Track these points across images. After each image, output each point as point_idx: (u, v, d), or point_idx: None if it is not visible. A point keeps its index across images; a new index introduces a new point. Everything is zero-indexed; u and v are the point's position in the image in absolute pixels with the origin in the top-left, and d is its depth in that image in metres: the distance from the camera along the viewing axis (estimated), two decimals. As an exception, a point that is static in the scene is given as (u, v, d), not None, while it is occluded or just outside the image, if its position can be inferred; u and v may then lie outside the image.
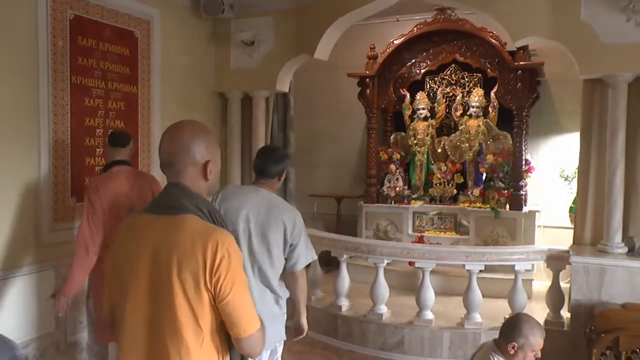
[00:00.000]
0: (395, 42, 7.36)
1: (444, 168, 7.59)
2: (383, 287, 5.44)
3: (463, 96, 7.72)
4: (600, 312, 4.39)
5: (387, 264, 5.54)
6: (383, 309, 5.47)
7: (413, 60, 7.52)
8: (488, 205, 6.98)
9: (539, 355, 2.86)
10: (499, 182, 7.03)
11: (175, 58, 5.79)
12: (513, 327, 2.84)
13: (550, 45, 5.29)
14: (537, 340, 2.80)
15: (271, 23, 6.12)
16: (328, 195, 8.20)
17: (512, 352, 2.78)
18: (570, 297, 4.89)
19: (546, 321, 5.12)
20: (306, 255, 3.13)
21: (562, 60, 6.50)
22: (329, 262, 6.77)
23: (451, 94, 7.86)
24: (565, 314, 5.21)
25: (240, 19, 6.20)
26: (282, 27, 6.08)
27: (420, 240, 6.87)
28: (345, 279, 5.68)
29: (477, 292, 5.19)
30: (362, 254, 5.62)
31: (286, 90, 6.50)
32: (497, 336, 2.95)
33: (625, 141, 4.81)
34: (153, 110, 5.44)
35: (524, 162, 6.94)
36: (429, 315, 5.31)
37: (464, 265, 5.26)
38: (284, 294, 3.16)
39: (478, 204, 7.14)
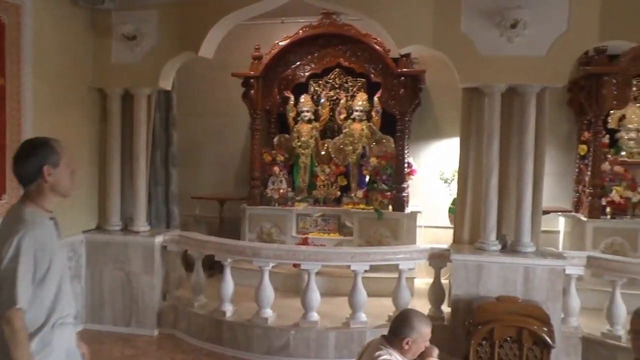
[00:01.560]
0: (280, 43, 7.54)
1: (327, 170, 7.88)
2: (268, 290, 5.54)
3: (347, 100, 8.08)
4: (478, 305, 4.85)
5: (272, 266, 5.64)
6: (268, 313, 5.57)
7: (298, 63, 7.73)
8: (371, 207, 7.36)
9: (428, 343, 3.14)
10: (382, 184, 7.45)
11: (49, 48, 5.49)
12: (404, 322, 3.05)
13: (433, 54, 5.72)
14: (427, 331, 3.08)
15: (155, 17, 6.00)
16: (211, 197, 8.19)
17: (406, 347, 3.01)
18: (451, 292, 5.32)
19: (428, 316, 5.49)
20: (9, 294, 2.33)
21: (442, 69, 7.01)
22: (211, 266, 6.76)
23: (335, 97, 8.19)
24: (445, 309, 5.65)
25: (122, 11, 6.02)
26: (166, 22, 5.99)
27: (305, 242, 7.09)
28: (229, 284, 5.70)
29: (362, 292, 5.47)
30: (247, 257, 5.70)
31: (169, 88, 6.40)
32: (384, 333, 3.15)
33: (499, 147, 5.33)
34: (24, 105, 5.13)
35: (406, 165, 7.44)
36: (314, 316, 5.50)
37: (349, 266, 5.52)
38: None
39: (361, 206, 7.51)
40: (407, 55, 7.12)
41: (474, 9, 5.27)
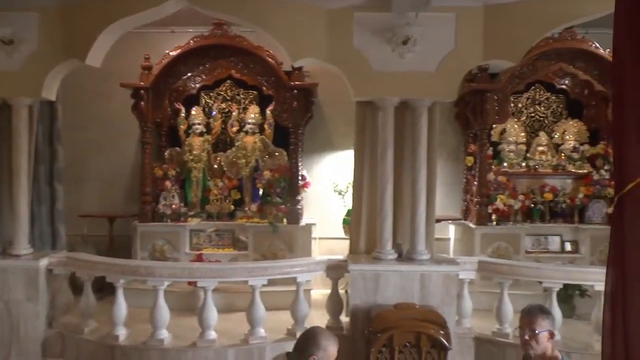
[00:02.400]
0: (171, 53, 7.43)
1: (220, 184, 7.85)
2: (163, 311, 5.43)
3: (239, 113, 8.10)
4: (377, 314, 5.04)
5: (167, 285, 5.53)
6: (164, 334, 5.44)
7: (189, 74, 7.67)
8: (266, 220, 7.41)
9: None
10: (276, 198, 7.53)
11: None
12: (310, 340, 3.03)
13: (325, 68, 5.89)
14: (333, 351, 3.07)
15: (35, 20, 5.67)
16: (100, 215, 7.87)
17: None
18: (349, 302, 5.48)
19: (327, 327, 5.64)
20: None
21: (333, 83, 7.27)
22: (100, 288, 6.47)
23: (227, 110, 8.19)
24: (343, 318, 5.82)
25: (-3, 13, 5.66)
26: (49, 27, 5.67)
27: (199, 258, 6.99)
28: (122, 306, 5.52)
29: (260, 307, 5.50)
30: (141, 277, 5.54)
31: (53, 98, 6.08)
32: (287, 350, 3.16)
33: (393, 159, 5.59)
34: None
35: (300, 178, 7.57)
36: (212, 335, 5.45)
37: (247, 281, 5.53)
38: None
39: (256, 220, 7.55)
40: (300, 69, 7.28)
41: (366, 25, 5.52)
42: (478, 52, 5.60)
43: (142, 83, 7.39)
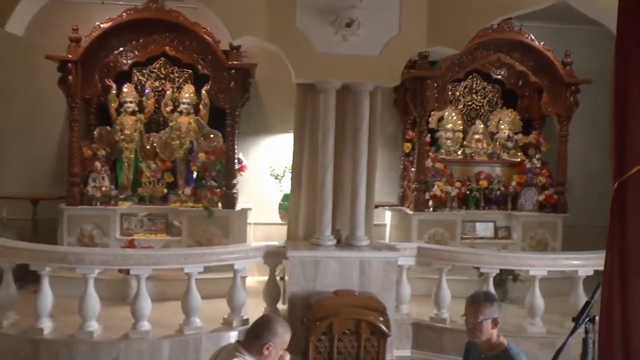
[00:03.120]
0: (101, 25, 7.03)
1: (153, 166, 7.57)
2: (93, 301, 5.14)
3: (173, 92, 7.82)
4: (316, 301, 5.00)
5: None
6: (94, 325, 5.15)
7: (121, 49, 7.30)
8: (200, 205, 7.23)
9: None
10: (211, 181, 7.34)
11: None
12: (267, 327, 2.98)
13: (263, 48, 5.76)
14: (287, 338, 3.05)
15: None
16: (22, 197, 7.38)
17: (266, 352, 2.96)
18: (287, 289, 5.41)
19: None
20: None
21: (271, 64, 7.17)
22: (22, 277, 6.09)
23: (161, 88, 7.89)
24: (280, 306, 5.75)
25: None
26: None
27: (131, 244, 6.72)
28: (47, 296, 5.15)
29: (196, 296, 5.33)
30: (70, 264, 5.22)
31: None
32: (238, 338, 3.08)
33: (334, 143, 5.53)
34: None
35: (236, 161, 7.39)
36: (145, 325, 5.22)
37: (182, 268, 5.35)
38: None
39: (190, 204, 7.34)
40: (238, 48, 7.08)
41: (309, 5, 5.42)
42: (422, 38, 5.62)
43: (69, 56, 6.94)
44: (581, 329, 2.63)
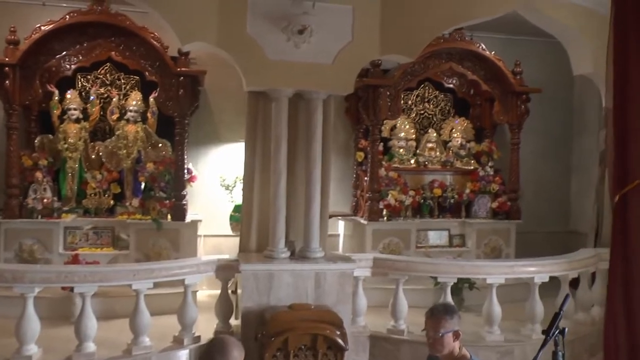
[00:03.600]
0: (42, 28, 6.69)
1: (99, 177, 7.26)
2: (33, 322, 4.77)
3: (119, 99, 7.55)
4: (271, 316, 4.85)
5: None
6: (33, 349, 4.78)
7: (64, 53, 6.97)
8: (149, 217, 6.97)
9: None
10: (160, 192, 7.10)
11: None
12: (222, 352, 2.82)
13: (212, 54, 5.59)
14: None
15: None
16: (-48, 209, 6.96)
17: None
18: (240, 304, 5.24)
19: (216, 332, 5.39)
20: None
21: (221, 71, 6.98)
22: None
23: (106, 95, 7.61)
24: (233, 322, 5.57)
25: None
26: None
27: (75, 259, 6.38)
28: (-21, 318, 4.85)
29: (145, 313, 5.07)
30: (6, 283, 4.83)
31: None
32: None
33: (287, 152, 5.41)
34: None
35: (185, 171, 7.16)
36: (91, 347, 4.91)
37: (131, 285, 5.10)
38: None
39: (138, 216, 7.08)
40: (187, 54, 6.88)
41: (261, 11, 5.29)
42: (375, 46, 5.57)
43: (7, 59, 6.57)
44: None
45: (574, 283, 6.11)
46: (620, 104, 2.52)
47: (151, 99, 7.39)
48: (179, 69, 6.91)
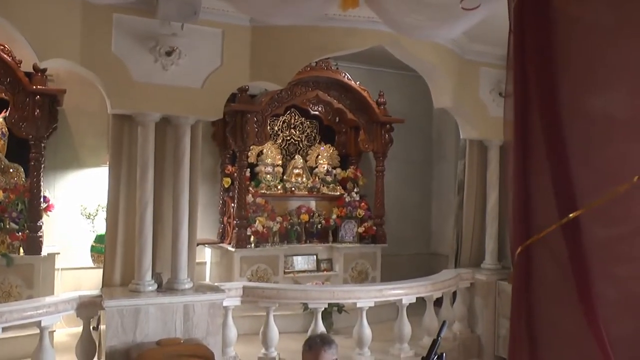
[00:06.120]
0: None
1: (-64, 206, 6.38)
2: None
3: (-36, 119, 6.73)
4: (138, 355, 4.46)
5: None
6: None
7: None
8: (-2, 252, 6.22)
9: None
10: (12, 223, 6.34)
11: None
12: None
13: (80, 72, 5.14)
14: None
15: None
16: None
17: None
18: (105, 343, 4.78)
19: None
20: None
21: (83, 90, 6.50)
22: None
23: (-54, 115, 6.74)
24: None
25: None
26: None
27: None
28: None
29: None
30: None
31: None
32: None
33: (154, 178, 5.08)
34: None
35: (42, 200, 6.49)
36: None
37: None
38: None
39: (-17, 250, 6.28)
40: (43, 71, 6.31)
41: (127, 29, 4.94)
42: (245, 72, 5.44)
43: None
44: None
45: (437, 301, 6.32)
46: (522, 137, 2.41)
47: (1, 119, 6.66)
48: (34, 87, 6.28)
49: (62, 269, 6.83)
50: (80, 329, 5.15)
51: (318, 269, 7.87)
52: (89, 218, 7.03)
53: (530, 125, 2.36)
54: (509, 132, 2.49)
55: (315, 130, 8.65)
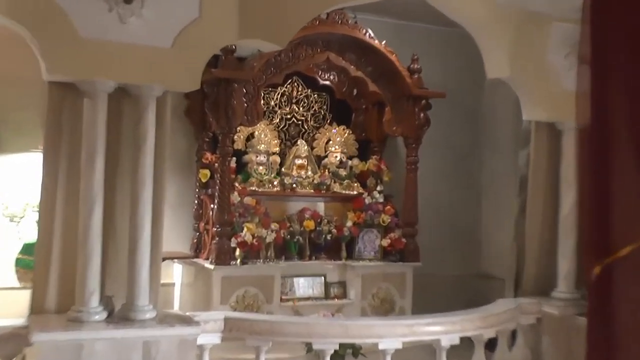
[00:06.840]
0: None
1: None
2: None
3: None
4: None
5: None
6: None
7: None
8: None
9: None
10: None
11: None
12: None
13: (8, 26, 5.20)
14: None
15: None
16: None
17: None
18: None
19: None
20: None
21: (8, 52, 6.58)
22: None
23: None
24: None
25: None
26: None
27: None
28: None
29: None
30: None
31: None
32: None
33: (104, 169, 5.13)
34: None
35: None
36: None
37: None
38: None
39: None
40: (-45, 26, 6.41)
41: (71, -33, 5.00)
42: (232, 27, 5.46)
43: None
44: None
45: (490, 343, 6.30)
46: (601, 119, 2.37)
47: None
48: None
49: (-26, 290, 6.98)
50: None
51: (327, 296, 7.99)
52: (12, 221, 7.22)
53: (613, 101, 2.34)
54: (584, 111, 2.46)
55: (325, 107, 8.71)
